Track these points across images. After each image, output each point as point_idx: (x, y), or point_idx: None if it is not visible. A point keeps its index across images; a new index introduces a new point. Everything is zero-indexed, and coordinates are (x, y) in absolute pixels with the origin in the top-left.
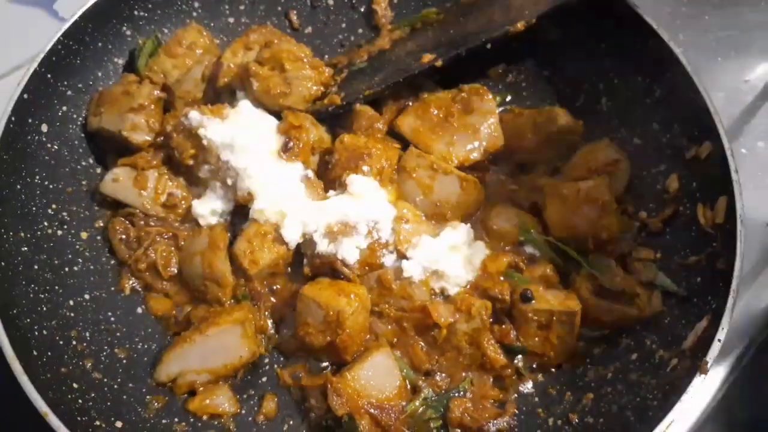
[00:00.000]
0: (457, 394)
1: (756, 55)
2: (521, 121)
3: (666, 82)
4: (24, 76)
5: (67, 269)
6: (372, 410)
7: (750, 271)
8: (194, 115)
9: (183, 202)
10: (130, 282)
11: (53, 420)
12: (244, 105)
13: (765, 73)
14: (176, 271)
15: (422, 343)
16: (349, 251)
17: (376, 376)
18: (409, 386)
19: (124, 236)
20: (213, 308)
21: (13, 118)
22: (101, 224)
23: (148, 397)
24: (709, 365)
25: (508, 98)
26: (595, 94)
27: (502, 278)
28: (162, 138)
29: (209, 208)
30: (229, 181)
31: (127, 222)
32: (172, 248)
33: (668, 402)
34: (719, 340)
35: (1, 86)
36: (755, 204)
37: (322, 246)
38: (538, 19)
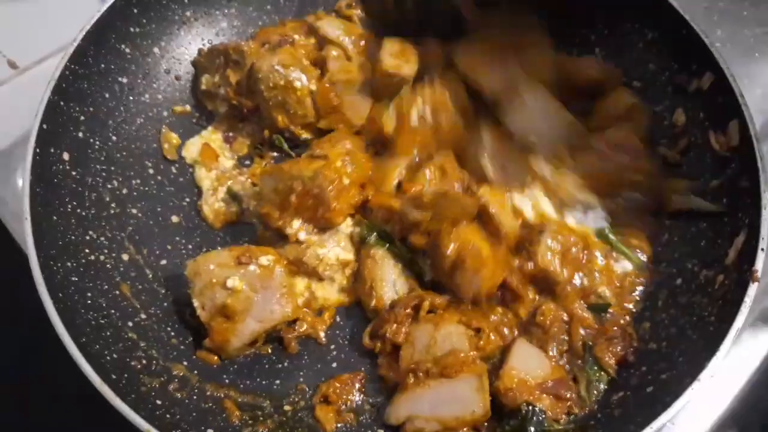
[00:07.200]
0: None
1: None
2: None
3: (656, 24)
4: (39, 106)
5: (117, 292)
6: (546, 391)
7: None
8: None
9: None
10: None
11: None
12: None
13: None
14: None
15: None
16: None
17: (527, 362)
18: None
19: None
20: None
21: (38, 150)
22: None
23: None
24: (759, 273)
25: None
26: (588, 45)
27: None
28: None
29: None
30: None
31: None
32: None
33: (727, 314)
34: (762, 250)
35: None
36: None
37: None
38: None
